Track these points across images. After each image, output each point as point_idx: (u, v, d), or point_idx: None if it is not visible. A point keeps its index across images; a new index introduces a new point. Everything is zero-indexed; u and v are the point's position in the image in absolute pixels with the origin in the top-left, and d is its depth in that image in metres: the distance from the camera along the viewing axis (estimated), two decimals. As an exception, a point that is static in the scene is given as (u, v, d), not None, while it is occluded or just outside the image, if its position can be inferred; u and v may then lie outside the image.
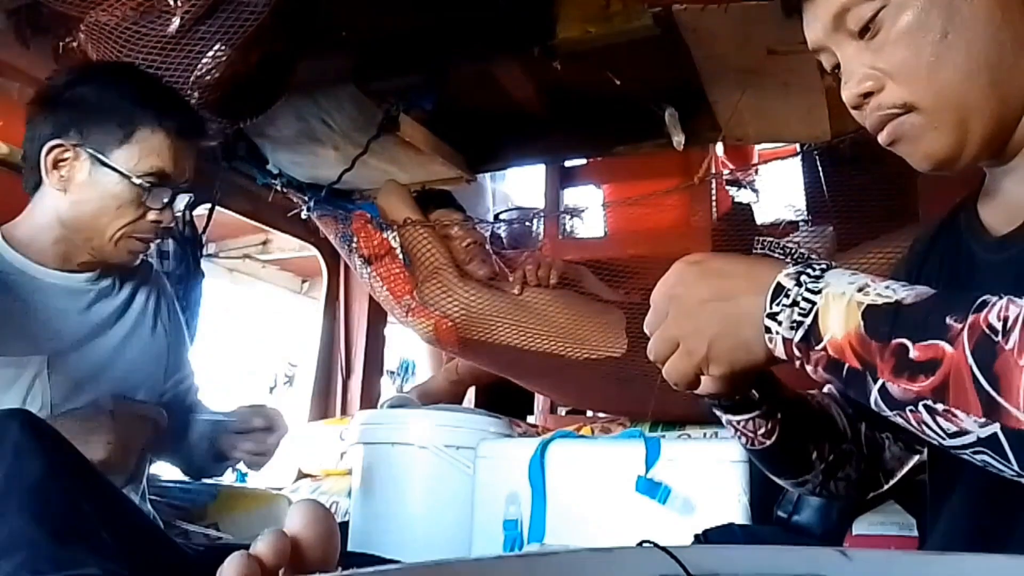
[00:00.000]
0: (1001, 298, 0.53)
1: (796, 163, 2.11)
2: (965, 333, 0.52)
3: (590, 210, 2.76)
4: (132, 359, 1.36)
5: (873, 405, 0.58)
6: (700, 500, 1.41)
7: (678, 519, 1.41)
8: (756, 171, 2.49)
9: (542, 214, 2.69)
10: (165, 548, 1.06)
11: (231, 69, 1.47)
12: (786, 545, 0.50)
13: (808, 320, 0.60)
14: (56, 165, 1.23)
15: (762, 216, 2.36)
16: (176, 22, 1.37)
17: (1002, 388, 0.50)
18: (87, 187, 1.23)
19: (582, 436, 1.77)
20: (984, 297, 0.54)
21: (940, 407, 0.53)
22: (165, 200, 1.27)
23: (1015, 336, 0.50)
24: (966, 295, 0.55)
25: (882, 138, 0.74)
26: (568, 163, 2.74)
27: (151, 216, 1.27)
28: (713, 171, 2.20)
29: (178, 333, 1.49)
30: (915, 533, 1.21)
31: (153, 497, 1.53)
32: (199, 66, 1.44)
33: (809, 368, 0.61)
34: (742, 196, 2.49)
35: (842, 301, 0.59)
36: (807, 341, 0.60)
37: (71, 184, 1.24)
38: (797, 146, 2.11)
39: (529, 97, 2.21)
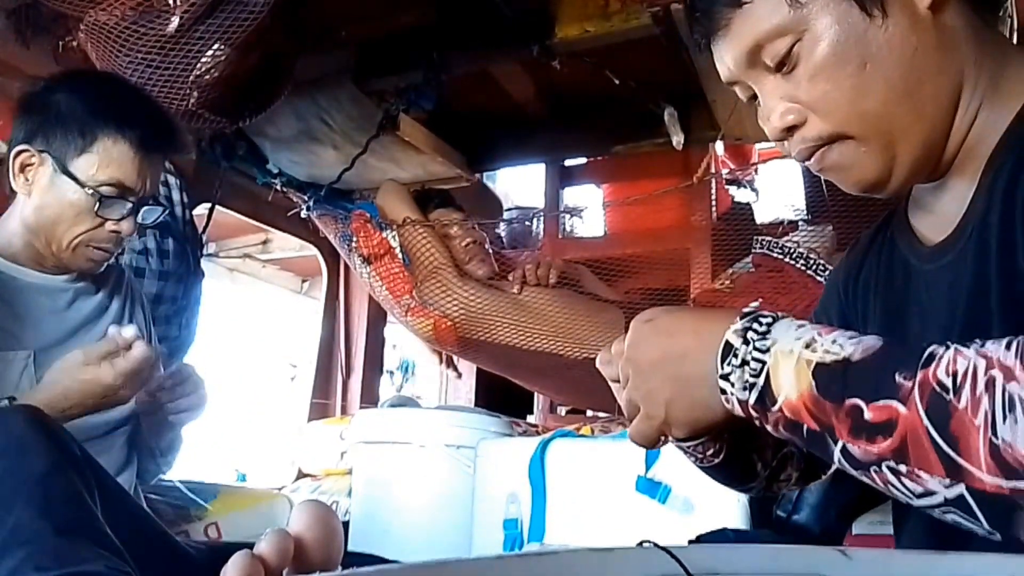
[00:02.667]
0: (948, 348, 0.52)
1: (795, 162, 2.11)
2: (916, 392, 0.51)
3: (589, 210, 2.76)
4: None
5: (837, 463, 0.57)
6: (700, 500, 1.41)
7: (678, 518, 1.41)
8: (756, 170, 2.49)
9: (541, 214, 2.69)
10: (167, 544, 1.06)
11: (230, 68, 1.47)
12: (785, 545, 0.50)
13: (760, 381, 0.59)
14: (22, 169, 1.24)
15: (762, 215, 2.36)
16: (175, 21, 1.37)
17: (961, 449, 0.49)
18: (48, 193, 1.23)
19: (582, 435, 1.77)
20: (931, 349, 0.52)
21: (903, 468, 0.52)
22: (123, 212, 1.25)
23: (966, 393, 0.49)
24: (914, 347, 0.54)
25: (811, 166, 0.74)
26: (567, 163, 2.74)
27: (109, 226, 1.25)
28: (712, 171, 2.20)
29: (150, 335, 1.49)
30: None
31: (154, 497, 1.53)
32: (198, 65, 1.44)
33: (769, 428, 0.60)
34: (742, 196, 2.49)
35: (791, 360, 0.58)
36: (762, 402, 0.59)
37: (34, 189, 1.24)
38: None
39: (528, 97, 2.21)
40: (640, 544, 0.45)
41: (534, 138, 2.39)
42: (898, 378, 0.52)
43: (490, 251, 2.13)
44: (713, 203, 2.32)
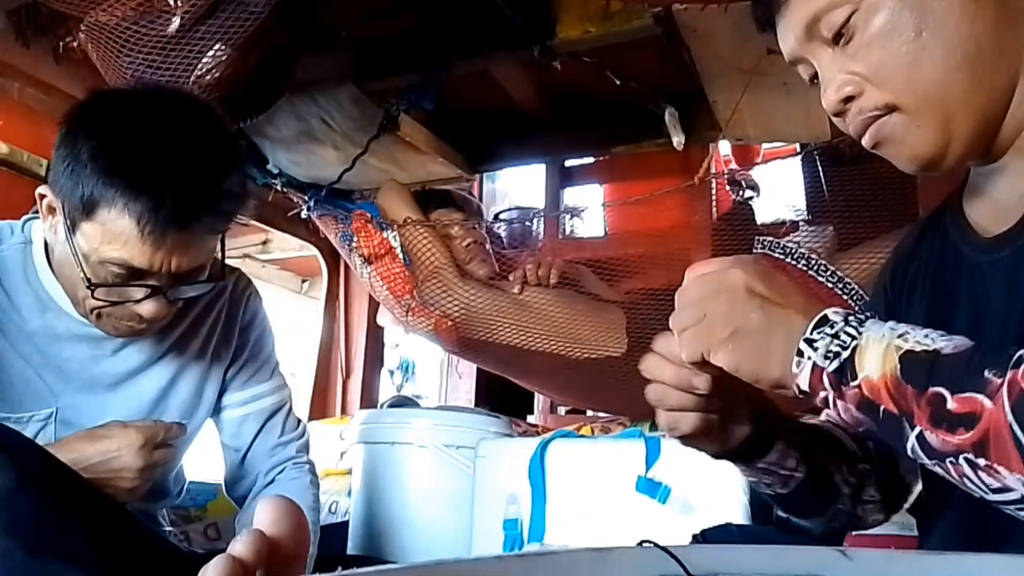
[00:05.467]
0: None
1: (796, 163, 2.11)
2: (1005, 389, 0.52)
3: (590, 210, 2.76)
4: (167, 409, 1.19)
5: (910, 452, 0.57)
6: (700, 500, 1.41)
7: (678, 519, 1.41)
8: (753, 170, 2.49)
9: (542, 214, 2.69)
10: (161, 554, 1.05)
11: (231, 69, 1.47)
12: (785, 545, 0.50)
13: (845, 354, 0.59)
14: (49, 211, 1.01)
15: (762, 216, 2.36)
16: (176, 22, 1.37)
17: None
18: (64, 251, 1.00)
19: (582, 436, 1.77)
20: (1021, 352, 0.53)
21: (982, 462, 0.53)
22: (138, 296, 1.00)
23: None
24: (1004, 350, 0.54)
25: (866, 141, 0.73)
26: (568, 163, 2.74)
27: (130, 306, 1.01)
28: (713, 171, 2.20)
29: (249, 355, 1.27)
30: (915, 533, 1.20)
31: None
32: (199, 66, 1.44)
33: (840, 404, 0.60)
34: (744, 196, 2.49)
35: (881, 344, 0.58)
36: (841, 374, 0.59)
37: (57, 238, 1.02)
38: (797, 146, 2.11)
39: (529, 97, 2.21)
40: (640, 544, 0.45)
41: (534, 138, 2.38)
42: (987, 374, 0.53)
43: (491, 251, 2.13)
44: (714, 203, 2.32)
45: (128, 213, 0.93)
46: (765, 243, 1.75)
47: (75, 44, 1.52)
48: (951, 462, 0.55)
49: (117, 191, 0.93)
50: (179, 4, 1.35)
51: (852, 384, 0.59)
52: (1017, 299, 0.67)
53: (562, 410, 2.78)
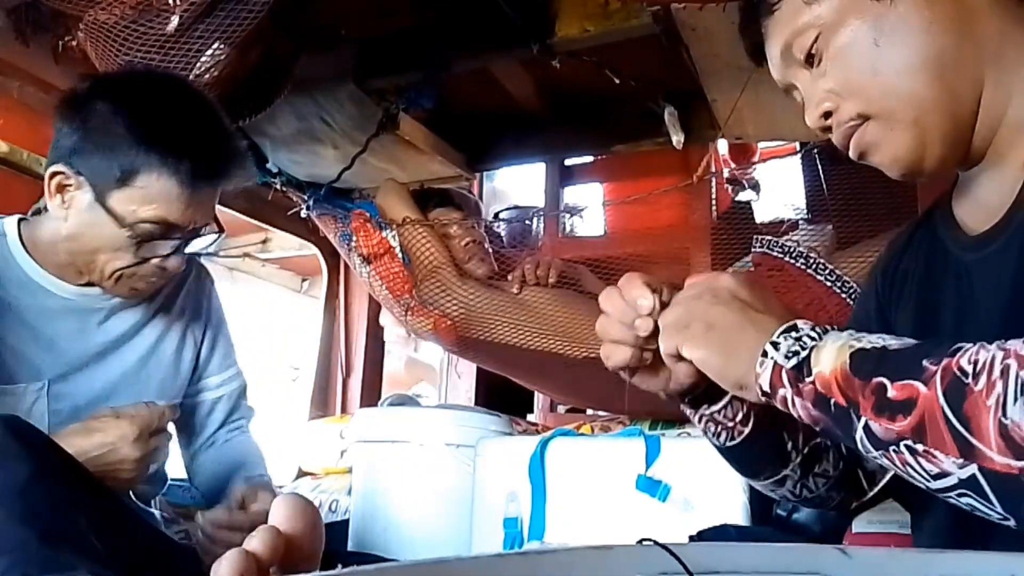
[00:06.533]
0: (974, 344, 0.55)
1: (796, 161, 2.11)
2: (938, 374, 0.54)
3: (590, 209, 2.76)
4: (149, 377, 1.28)
5: (860, 445, 0.59)
6: (700, 498, 1.41)
7: (678, 517, 1.41)
8: (755, 169, 2.49)
9: (542, 213, 2.69)
10: (163, 548, 1.06)
11: (230, 68, 1.47)
12: (785, 543, 0.50)
13: (804, 353, 0.63)
14: (60, 190, 1.11)
15: (762, 214, 2.36)
16: (175, 20, 1.37)
17: (973, 429, 0.52)
18: (86, 220, 1.10)
19: (582, 434, 1.77)
20: (960, 344, 0.55)
21: (920, 448, 0.55)
22: (168, 249, 1.13)
23: (983, 378, 0.52)
24: (946, 343, 0.57)
25: (852, 153, 0.77)
26: (568, 161, 2.74)
27: (154, 262, 1.13)
28: (713, 170, 2.20)
29: (213, 335, 1.40)
30: (914, 531, 1.21)
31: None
32: (198, 65, 1.44)
33: (799, 402, 0.63)
34: (744, 195, 2.49)
35: (837, 343, 0.62)
36: (799, 370, 0.62)
37: (71, 213, 1.11)
38: (797, 144, 2.11)
39: (528, 95, 2.21)
40: (640, 542, 0.45)
41: (534, 137, 2.38)
42: (925, 363, 0.56)
43: (490, 250, 2.13)
44: (713, 202, 2.32)
45: (169, 174, 1.07)
46: (764, 242, 1.75)
47: (74, 43, 1.52)
48: (894, 450, 0.57)
49: (156, 157, 1.06)
50: (178, 3, 1.35)
51: (807, 380, 0.62)
52: (1000, 297, 0.69)
53: (562, 409, 2.78)
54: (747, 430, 0.80)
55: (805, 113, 0.78)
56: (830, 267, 1.66)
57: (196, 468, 1.42)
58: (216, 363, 1.41)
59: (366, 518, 1.83)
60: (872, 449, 0.58)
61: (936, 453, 0.54)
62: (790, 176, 2.34)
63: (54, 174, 1.10)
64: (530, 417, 2.67)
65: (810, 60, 0.75)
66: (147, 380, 1.27)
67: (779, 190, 2.48)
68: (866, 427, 0.58)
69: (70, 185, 1.10)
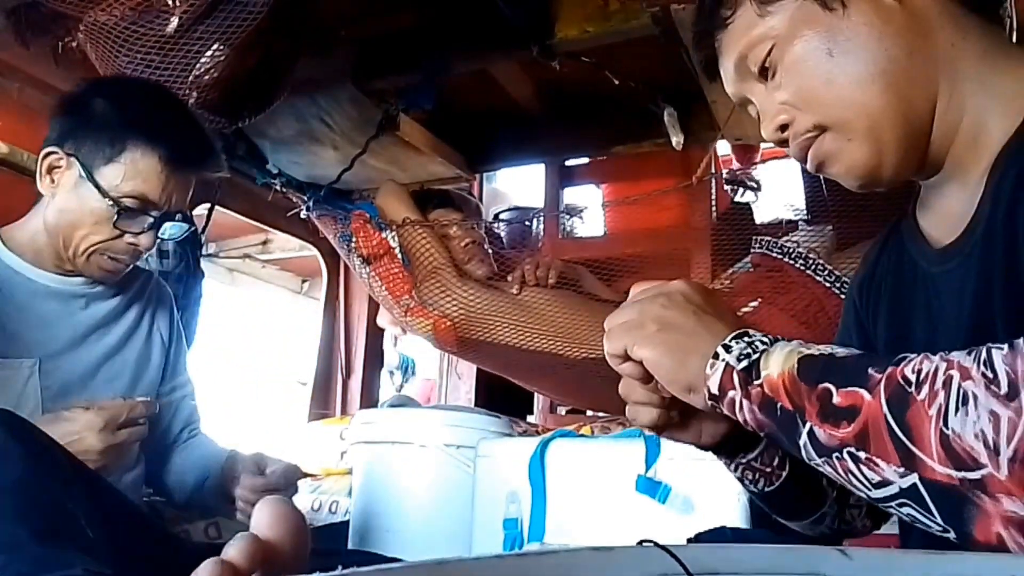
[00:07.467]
0: (919, 355, 0.55)
1: (795, 162, 2.11)
2: (883, 383, 0.54)
3: (589, 209, 2.76)
4: (125, 362, 1.36)
5: (803, 451, 0.59)
6: (700, 499, 1.41)
7: (678, 518, 1.41)
8: (756, 169, 2.48)
9: (541, 214, 2.69)
10: (161, 545, 1.06)
11: (230, 69, 1.47)
12: (784, 544, 0.50)
13: (755, 356, 0.63)
14: (49, 171, 1.24)
15: (761, 215, 2.36)
16: (175, 22, 1.37)
17: (915, 438, 0.52)
18: (71, 196, 1.23)
19: (582, 435, 1.77)
20: (905, 355, 0.56)
21: (862, 455, 0.55)
22: (143, 226, 1.24)
23: (926, 388, 0.52)
24: (895, 355, 0.57)
25: (810, 165, 0.77)
26: (567, 162, 2.74)
27: (128, 239, 1.24)
28: (712, 171, 2.20)
29: (178, 341, 1.49)
30: (914, 532, 1.21)
31: (155, 497, 1.52)
32: (198, 66, 1.44)
33: (746, 405, 0.63)
34: (744, 197, 2.49)
35: (786, 349, 0.62)
36: (748, 373, 0.62)
37: (58, 191, 1.23)
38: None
39: (528, 96, 2.21)
40: (640, 543, 0.45)
41: (534, 138, 2.39)
42: (870, 371, 0.56)
43: (489, 251, 2.13)
44: (713, 203, 2.31)
45: (152, 153, 1.21)
46: (763, 242, 1.75)
47: (74, 44, 1.52)
48: (837, 457, 0.56)
49: (143, 137, 1.21)
50: (177, 4, 1.35)
51: (756, 383, 0.62)
52: (964, 306, 0.69)
53: (562, 410, 2.78)
54: (784, 473, 0.79)
55: (761, 126, 0.78)
56: (829, 268, 1.66)
57: (168, 468, 1.46)
58: (182, 364, 1.51)
59: (366, 519, 1.82)
60: (815, 456, 0.58)
61: (878, 461, 0.54)
62: (790, 177, 2.34)
63: (47, 155, 1.23)
64: (530, 418, 2.67)
65: (764, 73, 0.75)
66: (125, 362, 1.37)
67: (779, 191, 2.48)
68: (810, 433, 0.58)
69: (60, 166, 1.23)
